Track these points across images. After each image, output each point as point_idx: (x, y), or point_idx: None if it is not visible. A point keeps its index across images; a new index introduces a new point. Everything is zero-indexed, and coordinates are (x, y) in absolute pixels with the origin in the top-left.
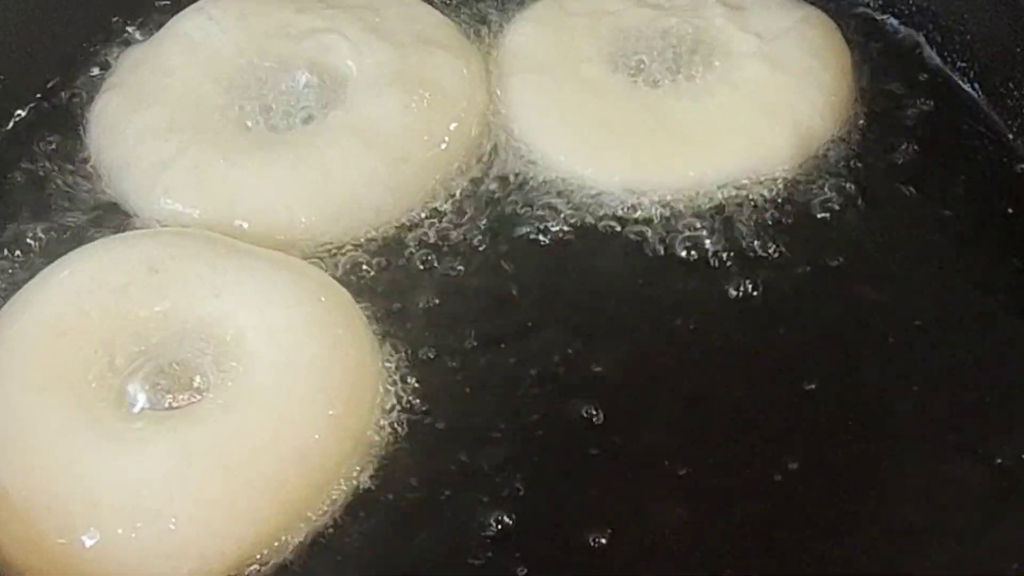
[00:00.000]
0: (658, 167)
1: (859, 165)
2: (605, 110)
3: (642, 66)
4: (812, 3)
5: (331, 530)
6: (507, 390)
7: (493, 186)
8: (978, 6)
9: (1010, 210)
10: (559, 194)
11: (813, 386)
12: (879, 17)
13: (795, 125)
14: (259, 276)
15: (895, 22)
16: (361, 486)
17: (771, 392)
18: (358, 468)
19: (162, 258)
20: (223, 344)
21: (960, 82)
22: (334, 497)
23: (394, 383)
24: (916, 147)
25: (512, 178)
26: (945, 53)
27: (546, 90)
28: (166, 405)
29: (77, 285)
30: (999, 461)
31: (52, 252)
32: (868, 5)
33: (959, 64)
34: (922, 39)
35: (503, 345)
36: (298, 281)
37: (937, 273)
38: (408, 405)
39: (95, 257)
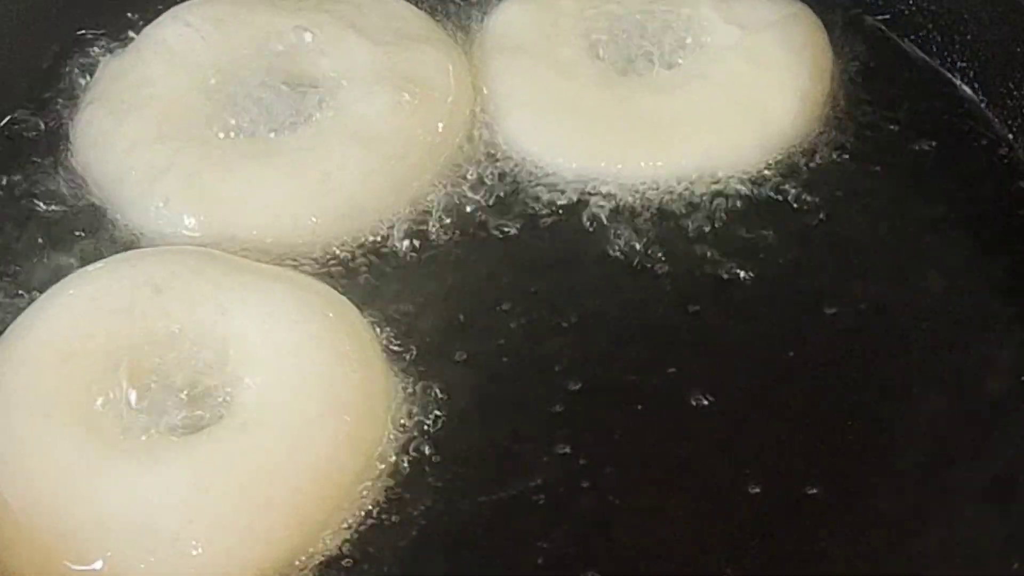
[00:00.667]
0: (622, 156)
1: (850, 164)
2: (574, 94)
3: (621, 53)
4: (808, 3)
5: (349, 547)
6: (520, 394)
7: (483, 175)
8: (978, 6)
9: (1010, 211)
10: (534, 181)
11: (810, 386)
12: (876, 17)
13: (763, 123)
14: (265, 293)
15: (892, 22)
16: (378, 501)
17: (768, 392)
18: (374, 482)
19: (165, 277)
20: (231, 363)
21: (960, 82)
22: (351, 513)
23: (405, 389)
24: (913, 148)
25: (498, 166)
26: (945, 53)
27: (519, 70)
28: (177, 427)
29: (80, 307)
30: (999, 461)
31: (49, 272)
32: (865, 5)
33: (959, 64)
34: (921, 39)
35: (513, 346)
36: (304, 297)
37: (934, 274)
38: (420, 416)
39: (97, 278)
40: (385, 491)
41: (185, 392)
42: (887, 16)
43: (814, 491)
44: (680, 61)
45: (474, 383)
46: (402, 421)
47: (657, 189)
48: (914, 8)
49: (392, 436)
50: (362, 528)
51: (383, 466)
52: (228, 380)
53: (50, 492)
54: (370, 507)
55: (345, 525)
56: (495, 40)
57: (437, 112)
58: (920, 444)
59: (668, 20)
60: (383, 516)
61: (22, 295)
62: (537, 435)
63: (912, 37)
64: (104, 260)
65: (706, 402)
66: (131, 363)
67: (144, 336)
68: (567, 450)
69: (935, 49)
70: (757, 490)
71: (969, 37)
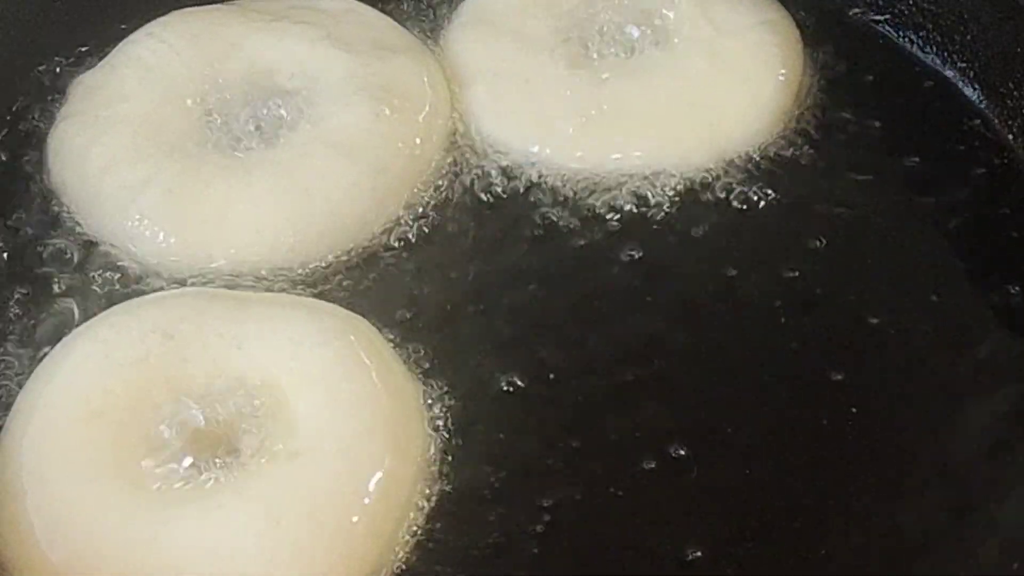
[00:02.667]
0: (562, 137)
1: (835, 169)
2: (530, 72)
3: (591, 37)
4: (806, 5)
5: (420, 558)
6: (533, 390)
7: (461, 177)
8: (978, 6)
9: (1010, 212)
10: (495, 165)
11: (807, 387)
12: (877, 18)
13: (714, 125)
14: (278, 322)
15: (892, 22)
16: (435, 506)
17: (765, 391)
18: (429, 487)
19: (172, 322)
20: (261, 395)
21: (960, 82)
22: (416, 523)
23: (432, 395)
24: (911, 149)
25: (475, 158)
26: (945, 53)
27: (480, 39)
28: (224, 467)
29: (96, 366)
30: (999, 459)
31: (42, 308)
32: (865, 5)
33: (959, 64)
34: (921, 40)
35: (517, 344)
36: (320, 320)
37: (933, 276)
38: (446, 415)
39: (103, 334)
40: (440, 494)
41: (223, 430)
42: (887, 16)
43: (813, 491)
44: (648, 52)
45: (483, 378)
46: (435, 421)
47: (592, 176)
48: (914, 8)
49: (430, 438)
50: (434, 538)
51: (432, 470)
52: (264, 411)
53: (122, 557)
54: (431, 514)
55: (410, 534)
56: (472, 12)
57: (416, 119)
58: (918, 444)
59: (648, 9)
60: (443, 520)
61: (17, 336)
62: (559, 432)
63: (912, 37)
64: (103, 314)
65: (705, 401)
66: (160, 411)
67: (165, 383)
68: (591, 452)
69: (935, 49)
70: (756, 489)
71: (969, 37)
